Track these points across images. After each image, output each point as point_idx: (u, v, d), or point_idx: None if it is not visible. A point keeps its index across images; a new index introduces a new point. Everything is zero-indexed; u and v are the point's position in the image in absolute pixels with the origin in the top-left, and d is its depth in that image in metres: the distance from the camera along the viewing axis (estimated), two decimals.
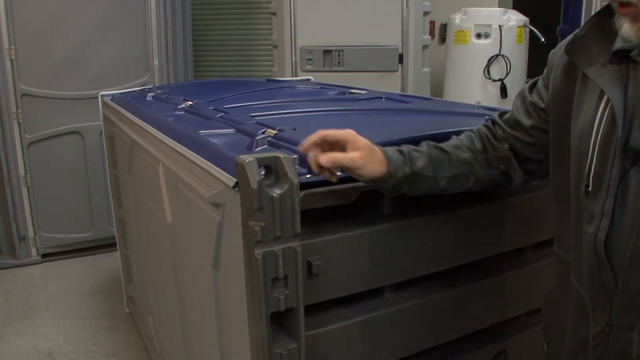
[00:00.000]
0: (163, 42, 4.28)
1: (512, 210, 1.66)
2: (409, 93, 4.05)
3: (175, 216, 1.84)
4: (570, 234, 1.19)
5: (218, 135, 1.72)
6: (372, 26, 4.20)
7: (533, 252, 1.81)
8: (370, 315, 1.44)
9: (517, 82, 4.37)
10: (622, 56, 1.07)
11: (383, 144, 1.33)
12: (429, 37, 4.53)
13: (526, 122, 1.33)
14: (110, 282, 3.73)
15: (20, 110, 3.87)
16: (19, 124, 3.89)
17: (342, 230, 1.39)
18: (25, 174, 3.98)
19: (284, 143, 1.51)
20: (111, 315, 3.37)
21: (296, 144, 1.43)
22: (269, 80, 3.37)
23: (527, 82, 1.46)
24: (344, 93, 2.59)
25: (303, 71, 4.24)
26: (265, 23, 5.06)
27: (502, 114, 1.42)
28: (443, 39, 5.22)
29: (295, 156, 1.37)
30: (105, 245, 4.07)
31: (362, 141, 1.25)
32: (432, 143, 1.37)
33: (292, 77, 4.14)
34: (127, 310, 3.32)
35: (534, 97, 1.31)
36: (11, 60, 3.78)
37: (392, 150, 1.31)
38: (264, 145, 1.55)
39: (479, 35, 4.38)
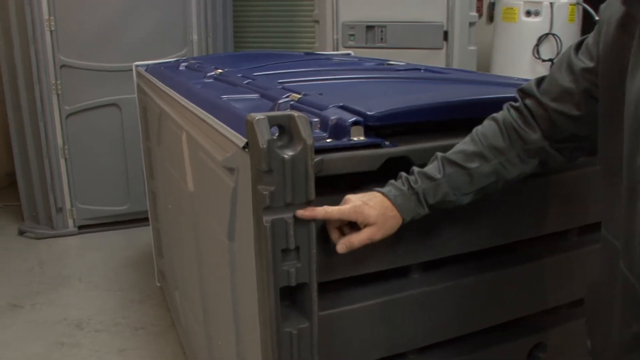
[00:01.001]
0: (202, 16, 4.22)
1: (556, 188, 1.51)
2: None
3: (196, 185, 1.76)
4: (621, 215, 1.04)
5: (241, 100, 1.63)
6: (416, 1, 4.06)
7: (578, 236, 1.66)
8: (394, 296, 1.32)
9: None
10: None
11: (409, 111, 1.21)
12: (476, 14, 4.35)
13: (574, 88, 1.14)
14: (144, 255, 3.71)
15: (59, 82, 3.86)
16: (57, 95, 3.89)
17: None
18: (64, 145, 3.98)
19: (308, 107, 1.40)
20: (142, 288, 3.34)
21: (321, 108, 1.32)
22: (307, 54, 3.25)
23: None
24: (382, 64, 2.46)
25: (345, 47, 4.12)
26: None
27: (538, 84, 1.21)
28: (491, 18, 5.00)
29: (316, 119, 1.26)
30: (141, 219, 4.00)
31: (370, 210, 1.14)
32: (447, 157, 1.20)
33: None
34: (158, 284, 3.28)
35: (582, 58, 1.12)
36: (51, 32, 3.77)
37: (400, 194, 1.17)
38: (287, 109, 1.45)
39: (528, 13, 4.17)
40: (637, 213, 0.96)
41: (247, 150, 1.10)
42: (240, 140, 1.16)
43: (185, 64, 2.80)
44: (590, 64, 1.10)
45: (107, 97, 4.01)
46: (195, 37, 4.22)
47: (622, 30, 1.02)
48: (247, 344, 1.43)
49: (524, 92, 1.22)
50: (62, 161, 4.00)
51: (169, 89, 2.10)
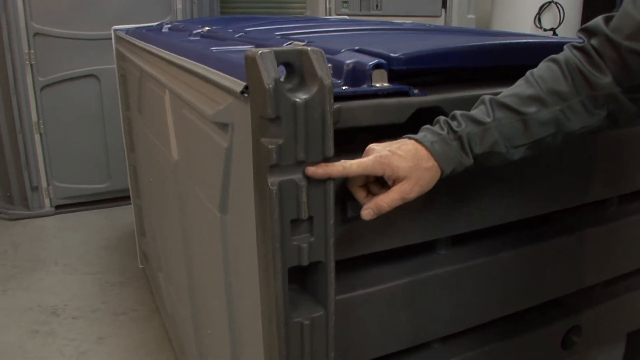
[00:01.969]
0: None
1: (603, 149, 1.31)
2: None
3: (181, 152, 1.53)
4: None
5: (234, 51, 1.39)
6: None
7: (618, 205, 1.46)
8: (420, 276, 1.11)
9: (570, 32, 4.00)
10: None
11: (441, 53, 0.99)
12: None
13: None
14: (125, 236, 3.50)
15: (32, 51, 3.63)
16: (31, 65, 3.66)
17: None
18: (38, 119, 3.76)
19: None
20: (123, 271, 3.12)
21: (333, 52, 1.10)
22: (298, 18, 3.02)
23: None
24: (386, 23, 2.23)
25: (338, 15, 3.91)
26: None
27: (606, 21, 0.99)
28: None
29: (329, 65, 1.03)
30: (122, 198, 3.82)
31: (400, 161, 0.91)
32: (497, 100, 0.98)
33: None
34: (141, 266, 3.06)
35: None
36: None
37: (439, 140, 0.94)
38: None
39: None
40: None
41: (246, 95, 0.88)
42: (237, 85, 0.93)
43: (169, 25, 2.55)
44: None
45: (85, 68, 3.78)
46: (179, 5, 3.98)
47: None
48: (243, 335, 1.22)
49: (589, 31, 1.00)
50: (36, 137, 3.78)
51: (151, 46, 1.86)
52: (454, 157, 0.94)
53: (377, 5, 3.94)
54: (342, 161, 0.89)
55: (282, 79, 0.82)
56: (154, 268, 2.54)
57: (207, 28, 2.03)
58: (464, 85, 1.11)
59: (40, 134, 3.77)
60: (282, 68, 0.84)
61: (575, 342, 1.44)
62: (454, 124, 0.95)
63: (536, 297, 1.31)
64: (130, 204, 3.03)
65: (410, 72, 1.03)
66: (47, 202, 3.90)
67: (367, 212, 0.91)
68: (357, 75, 0.99)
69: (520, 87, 0.99)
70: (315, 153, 0.84)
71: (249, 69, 0.82)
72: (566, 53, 1.00)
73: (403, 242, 1.07)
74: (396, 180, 0.91)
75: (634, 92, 0.97)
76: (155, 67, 1.77)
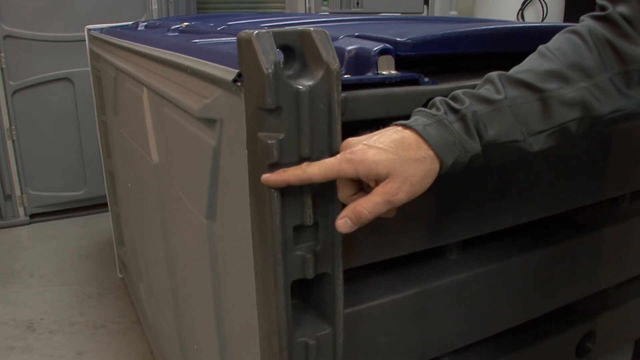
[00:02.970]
0: None
1: (618, 142, 1.22)
2: None
3: (161, 154, 1.42)
4: None
5: (217, 44, 1.28)
6: None
7: (631, 202, 1.37)
8: (430, 285, 1.00)
9: None
10: None
11: (454, 37, 0.89)
12: None
13: None
14: (103, 245, 3.36)
15: (3, 54, 3.50)
16: (1, 69, 3.53)
17: None
18: (10, 125, 3.61)
19: None
20: (102, 281, 2.98)
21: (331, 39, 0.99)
22: (283, 13, 2.91)
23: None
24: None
25: (317, 12, 3.82)
26: None
27: None
28: None
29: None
30: (99, 205, 3.70)
31: (377, 155, 0.70)
32: (508, 75, 0.79)
33: None
34: (120, 276, 2.93)
35: None
36: None
37: (433, 122, 0.74)
38: None
39: None
40: None
41: (239, 84, 0.76)
42: (227, 74, 0.81)
43: (146, 23, 2.43)
44: None
45: (58, 71, 3.66)
46: (155, 5, 3.86)
47: None
48: (236, 357, 1.10)
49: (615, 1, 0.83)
50: (9, 143, 3.63)
51: (127, 42, 1.74)
52: (455, 143, 0.74)
53: (357, 3, 3.86)
54: (304, 164, 0.72)
55: (281, 62, 0.71)
56: (135, 279, 2.41)
57: (186, 23, 1.92)
58: (474, 74, 1.01)
59: (13, 141, 3.63)
60: (280, 53, 0.73)
61: (590, 349, 1.35)
62: (454, 103, 0.77)
63: (551, 303, 1.22)
64: (107, 211, 2.90)
65: (418, 59, 0.93)
66: (21, 211, 3.76)
67: (343, 221, 0.71)
68: (361, 62, 0.88)
69: (534, 61, 0.81)
70: (321, 148, 0.73)
71: (242, 53, 0.71)
72: (588, 22, 0.84)
73: (409, 250, 0.97)
74: (378, 180, 0.71)
75: None
76: (132, 64, 1.65)
